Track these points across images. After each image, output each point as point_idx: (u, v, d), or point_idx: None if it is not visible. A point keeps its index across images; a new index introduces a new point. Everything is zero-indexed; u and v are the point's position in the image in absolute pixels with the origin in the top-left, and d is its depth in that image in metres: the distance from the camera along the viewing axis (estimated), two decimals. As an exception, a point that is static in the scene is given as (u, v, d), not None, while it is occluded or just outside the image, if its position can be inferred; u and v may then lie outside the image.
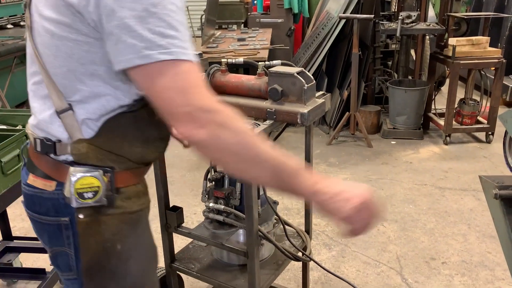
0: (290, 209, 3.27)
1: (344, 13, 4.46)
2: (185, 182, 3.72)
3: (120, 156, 1.08)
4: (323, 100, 1.77)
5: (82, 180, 1.03)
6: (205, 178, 1.93)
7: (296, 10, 5.84)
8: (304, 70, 1.73)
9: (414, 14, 4.30)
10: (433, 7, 6.01)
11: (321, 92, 1.91)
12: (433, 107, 4.70)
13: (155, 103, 0.96)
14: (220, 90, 1.86)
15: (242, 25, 6.29)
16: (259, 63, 1.78)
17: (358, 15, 4.13)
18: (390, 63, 5.68)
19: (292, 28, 5.93)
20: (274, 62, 1.83)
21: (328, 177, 1.03)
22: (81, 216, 1.06)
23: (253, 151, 0.97)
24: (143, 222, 1.19)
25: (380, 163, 4.02)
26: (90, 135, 1.04)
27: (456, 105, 4.36)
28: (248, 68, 4.69)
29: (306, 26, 6.66)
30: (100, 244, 1.09)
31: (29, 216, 1.15)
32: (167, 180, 1.94)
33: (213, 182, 1.89)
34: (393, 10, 6.25)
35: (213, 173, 1.89)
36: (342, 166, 3.98)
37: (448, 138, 4.34)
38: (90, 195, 1.04)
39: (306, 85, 1.66)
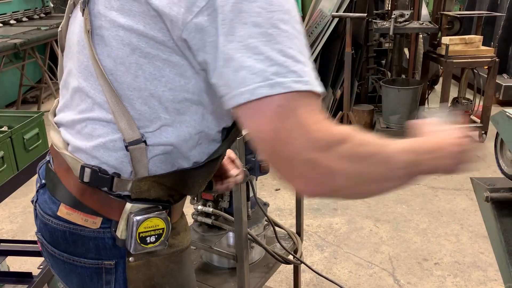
0: (282, 209, 3.24)
1: (337, 11, 4.43)
2: (177, 183, 3.68)
3: (179, 191, 0.92)
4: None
5: (147, 223, 0.86)
6: (194, 180, 1.90)
7: (289, 9, 5.80)
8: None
9: (407, 12, 4.29)
10: (426, 5, 6.00)
11: None
12: (426, 106, 4.68)
13: (262, 146, 0.73)
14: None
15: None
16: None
17: (351, 14, 4.10)
18: (383, 61, 5.67)
19: (285, 27, 5.89)
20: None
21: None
22: (131, 259, 0.89)
23: (385, 173, 0.75)
24: (188, 258, 1.04)
25: (373, 162, 4.00)
26: (157, 172, 0.87)
27: (449, 104, 4.35)
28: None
29: (299, 25, 6.63)
30: None
31: (54, 255, 0.94)
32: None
33: (202, 184, 1.85)
34: (387, 9, 6.24)
35: (201, 175, 1.86)
36: (335, 165, 3.95)
37: (441, 137, 4.33)
38: (153, 239, 0.88)
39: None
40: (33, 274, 2.19)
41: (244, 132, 1.57)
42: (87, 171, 0.85)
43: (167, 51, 0.78)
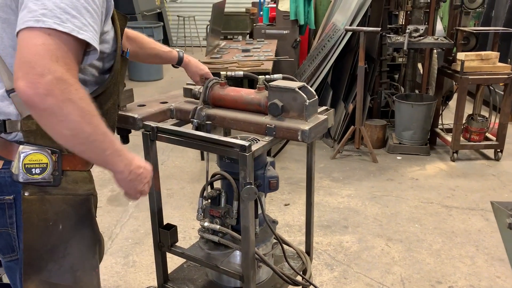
0: (291, 225, 3.17)
1: (350, 25, 4.39)
2: (185, 195, 3.63)
3: None
4: (326, 116, 1.69)
5: (31, 156, 1.09)
6: (201, 195, 1.85)
7: (302, 22, 5.78)
8: (306, 85, 1.65)
9: (422, 27, 4.23)
10: (441, 20, 5.93)
11: (323, 108, 1.83)
12: (440, 122, 4.60)
13: (19, 61, 0.96)
14: (219, 103, 1.78)
15: (248, 36, 6.24)
16: (259, 76, 1.70)
17: (364, 28, 4.06)
18: (397, 76, 5.60)
19: (298, 40, 5.87)
20: (275, 76, 1.75)
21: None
22: (26, 193, 1.11)
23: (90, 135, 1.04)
24: (87, 207, 1.24)
25: (385, 179, 3.91)
26: None
27: (464, 121, 4.26)
28: (253, 81, 4.62)
29: (312, 38, 6.60)
30: (43, 222, 1.14)
31: None
32: (161, 195, 1.85)
33: (209, 200, 1.80)
34: (401, 23, 6.19)
35: (209, 191, 1.80)
36: (346, 181, 3.88)
37: (455, 155, 4.24)
38: (37, 171, 1.09)
39: (307, 100, 1.58)
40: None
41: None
42: None
43: (16, 14, 1.03)
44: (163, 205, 1.85)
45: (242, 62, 4.22)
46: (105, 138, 1.08)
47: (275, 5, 6.06)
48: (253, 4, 7.10)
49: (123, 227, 3.16)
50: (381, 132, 4.55)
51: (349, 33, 4.42)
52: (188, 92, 1.88)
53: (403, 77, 5.03)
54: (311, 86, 4.86)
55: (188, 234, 3.05)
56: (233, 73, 1.80)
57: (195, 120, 1.76)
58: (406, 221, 3.22)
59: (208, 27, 4.92)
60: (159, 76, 7.64)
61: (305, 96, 1.58)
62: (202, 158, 4.25)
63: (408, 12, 5.11)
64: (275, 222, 1.98)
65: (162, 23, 7.63)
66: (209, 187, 1.82)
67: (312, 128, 1.57)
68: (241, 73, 1.80)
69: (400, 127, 4.44)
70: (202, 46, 10.06)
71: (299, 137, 1.57)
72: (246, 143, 1.50)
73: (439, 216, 3.29)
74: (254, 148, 1.53)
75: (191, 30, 10.41)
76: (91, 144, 1.05)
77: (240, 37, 5.97)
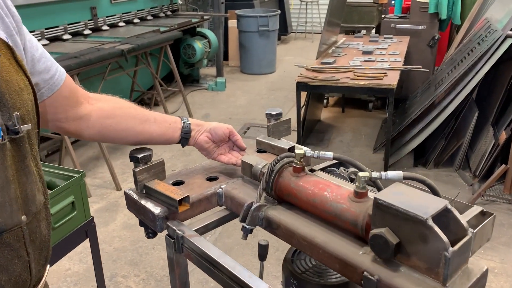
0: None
1: (514, 26, 3.25)
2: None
3: None
4: (485, 267, 0.87)
5: None
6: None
7: (444, 16, 4.66)
8: (450, 206, 0.85)
9: None
10: None
11: (478, 208, 1.03)
12: None
13: None
14: (288, 199, 1.07)
15: (374, 30, 5.28)
16: (360, 174, 0.93)
17: (538, 34, 2.91)
18: None
19: (436, 38, 4.76)
20: (391, 174, 0.95)
21: None
22: None
23: None
24: None
25: (548, 248, 2.81)
26: None
27: None
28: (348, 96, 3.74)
29: (454, 33, 5.39)
30: None
31: None
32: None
33: None
34: None
35: None
36: (488, 244, 2.85)
37: None
38: None
39: (450, 248, 0.78)
40: None
41: None
42: None
43: None
44: None
45: (359, 71, 3.37)
46: None
47: (411, -6, 5.01)
48: (384, -9, 6.05)
49: None
50: (545, 174, 3.36)
51: (511, 39, 3.28)
52: (247, 169, 1.19)
53: None
54: (450, 101, 3.80)
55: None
56: (314, 154, 1.05)
57: (247, 227, 1.08)
58: None
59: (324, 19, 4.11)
60: (271, 69, 7.05)
61: (445, 239, 0.78)
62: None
63: None
64: None
65: (279, 12, 6.96)
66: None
67: (455, 304, 0.78)
68: (331, 154, 1.04)
69: None
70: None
71: (424, 318, 0.79)
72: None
73: None
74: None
75: (313, 16, 9.62)
76: None
77: (363, 32, 5.06)
